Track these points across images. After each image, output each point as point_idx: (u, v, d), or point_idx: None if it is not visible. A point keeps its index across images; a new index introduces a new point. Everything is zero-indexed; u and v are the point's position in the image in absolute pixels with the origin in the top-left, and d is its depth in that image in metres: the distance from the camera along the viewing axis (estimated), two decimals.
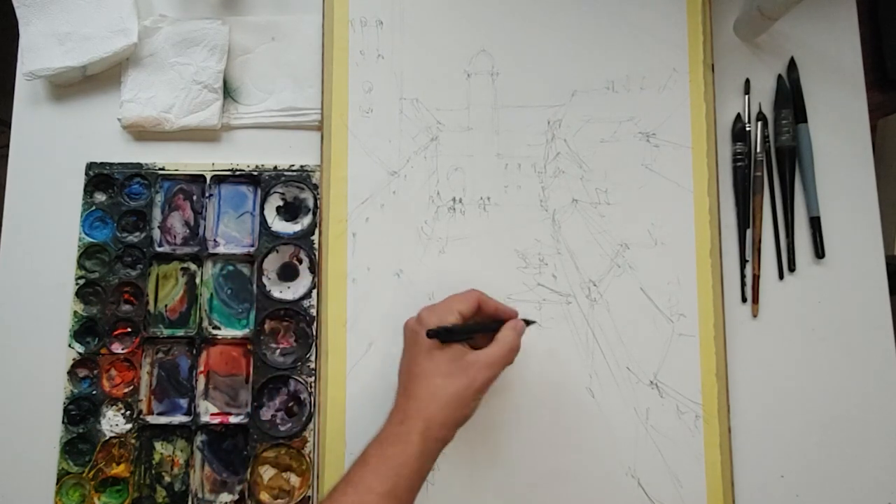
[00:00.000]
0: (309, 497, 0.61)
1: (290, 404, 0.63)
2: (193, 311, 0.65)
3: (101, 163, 0.66)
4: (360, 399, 0.62)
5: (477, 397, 0.51)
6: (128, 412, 0.63)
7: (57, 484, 0.61)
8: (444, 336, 0.51)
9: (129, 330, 0.64)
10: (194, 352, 0.63)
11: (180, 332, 0.64)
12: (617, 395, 0.63)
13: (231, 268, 0.65)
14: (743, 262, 0.66)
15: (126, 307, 0.64)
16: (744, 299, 0.65)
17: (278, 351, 0.64)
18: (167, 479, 0.62)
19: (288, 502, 0.61)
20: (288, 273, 0.65)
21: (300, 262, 0.65)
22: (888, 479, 0.63)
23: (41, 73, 0.65)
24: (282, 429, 0.62)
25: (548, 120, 0.66)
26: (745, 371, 0.64)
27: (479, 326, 0.54)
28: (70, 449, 0.61)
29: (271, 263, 0.65)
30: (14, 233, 0.66)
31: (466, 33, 0.67)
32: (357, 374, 0.62)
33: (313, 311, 0.64)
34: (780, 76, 0.69)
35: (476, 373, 0.51)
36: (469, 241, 0.65)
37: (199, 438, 0.62)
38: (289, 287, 0.65)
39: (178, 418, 0.63)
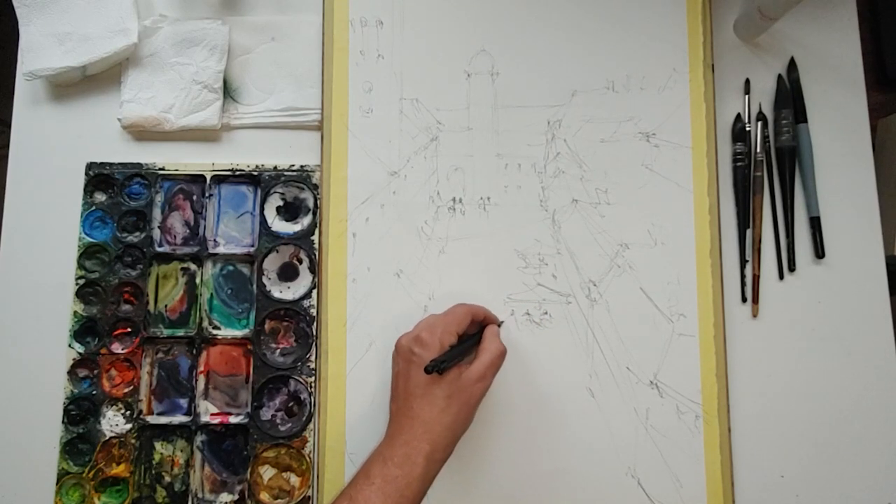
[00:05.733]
0: (309, 497, 0.61)
1: (290, 404, 0.63)
2: (193, 311, 0.65)
3: (101, 163, 0.66)
4: (360, 399, 0.62)
5: (475, 410, 0.54)
6: (128, 412, 0.63)
7: (57, 484, 0.61)
8: (441, 368, 0.52)
9: (129, 330, 0.64)
10: (194, 352, 0.63)
11: (180, 332, 0.64)
12: (617, 394, 0.63)
13: (231, 268, 0.65)
14: (743, 262, 0.66)
15: (126, 307, 0.64)
16: (744, 299, 0.65)
17: (278, 351, 0.64)
18: (167, 479, 0.62)
19: (288, 502, 0.61)
20: (288, 273, 0.65)
21: (300, 262, 0.65)
22: (888, 479, 0.63)
23: (41, 73, 0.65)
24: (282, 429, 0.62)
25: (548, 120, 0.66)
26: (745, 371, 0.64)
27: (467, 345, 0.56)
28: (70, 449, 0.61)
29: (271, 263, 0.65)
30: (14, 233, 0.66)
31: (466, 33, 0.67)
32: (357, 374, 0.62)
33: (313, 311, 0.64)
34: (780, 76, 0.69)
35: (472, 388, 0.53)
36: (469, 241, 0.65)
37: (199, 438, 0.62)
38: (289, 287, 0.65)
39: (178, 418, 0.63)
